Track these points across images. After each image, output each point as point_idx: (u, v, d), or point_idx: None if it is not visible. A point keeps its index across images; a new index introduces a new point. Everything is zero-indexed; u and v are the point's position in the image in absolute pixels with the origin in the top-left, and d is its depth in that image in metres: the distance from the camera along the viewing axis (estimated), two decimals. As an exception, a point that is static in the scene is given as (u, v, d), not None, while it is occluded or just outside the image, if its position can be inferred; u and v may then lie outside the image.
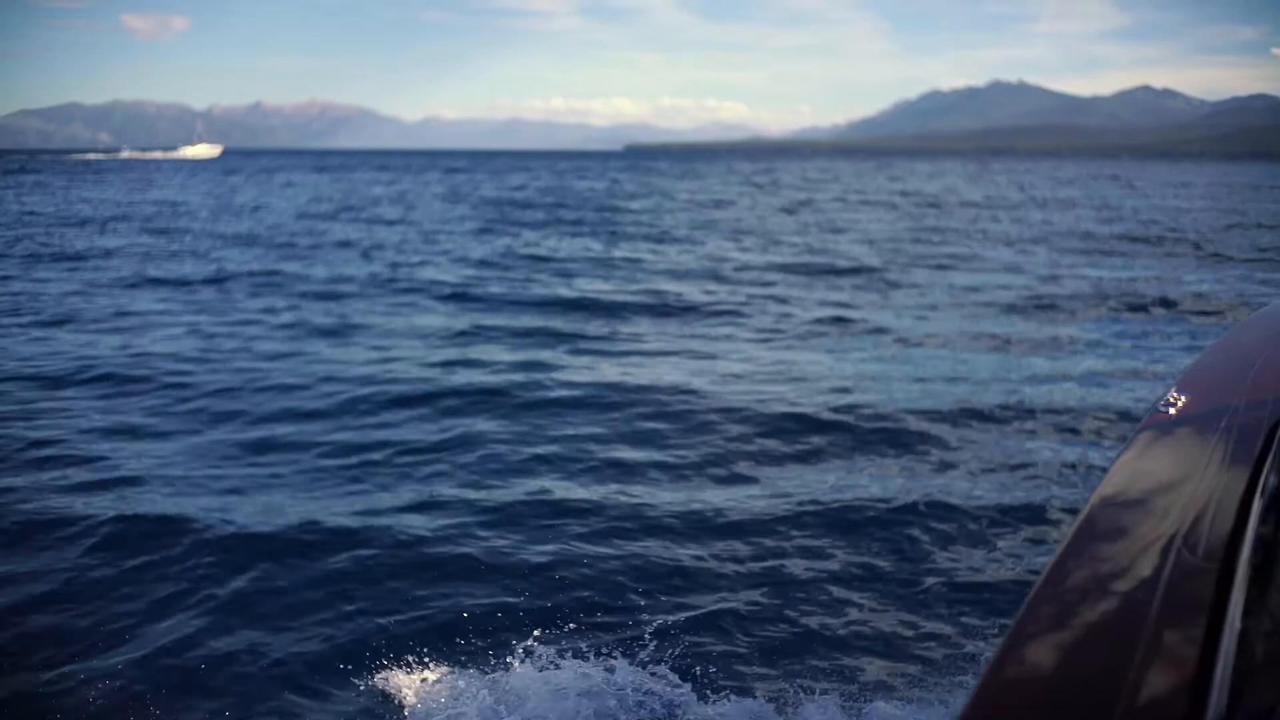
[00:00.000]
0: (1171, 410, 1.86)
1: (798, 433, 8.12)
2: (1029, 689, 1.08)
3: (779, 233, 30.08)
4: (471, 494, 6.75)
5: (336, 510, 6.45)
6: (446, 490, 6.81)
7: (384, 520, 6.27)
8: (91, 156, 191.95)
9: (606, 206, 41.89)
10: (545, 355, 11.32)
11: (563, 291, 17.10)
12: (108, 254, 22.98)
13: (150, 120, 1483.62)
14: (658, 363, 11.06)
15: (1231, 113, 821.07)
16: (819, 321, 14.11)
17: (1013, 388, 9.96)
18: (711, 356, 11.51)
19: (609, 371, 10.48)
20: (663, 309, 15.39)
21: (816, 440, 7.95)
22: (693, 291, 17.43)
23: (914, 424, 8.38)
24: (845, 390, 9.58)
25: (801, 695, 4.28)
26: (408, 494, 6.76)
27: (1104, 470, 1.61)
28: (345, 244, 25.73)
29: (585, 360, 11.14)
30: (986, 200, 49.51)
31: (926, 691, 4.39)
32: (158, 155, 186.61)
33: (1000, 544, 5.98)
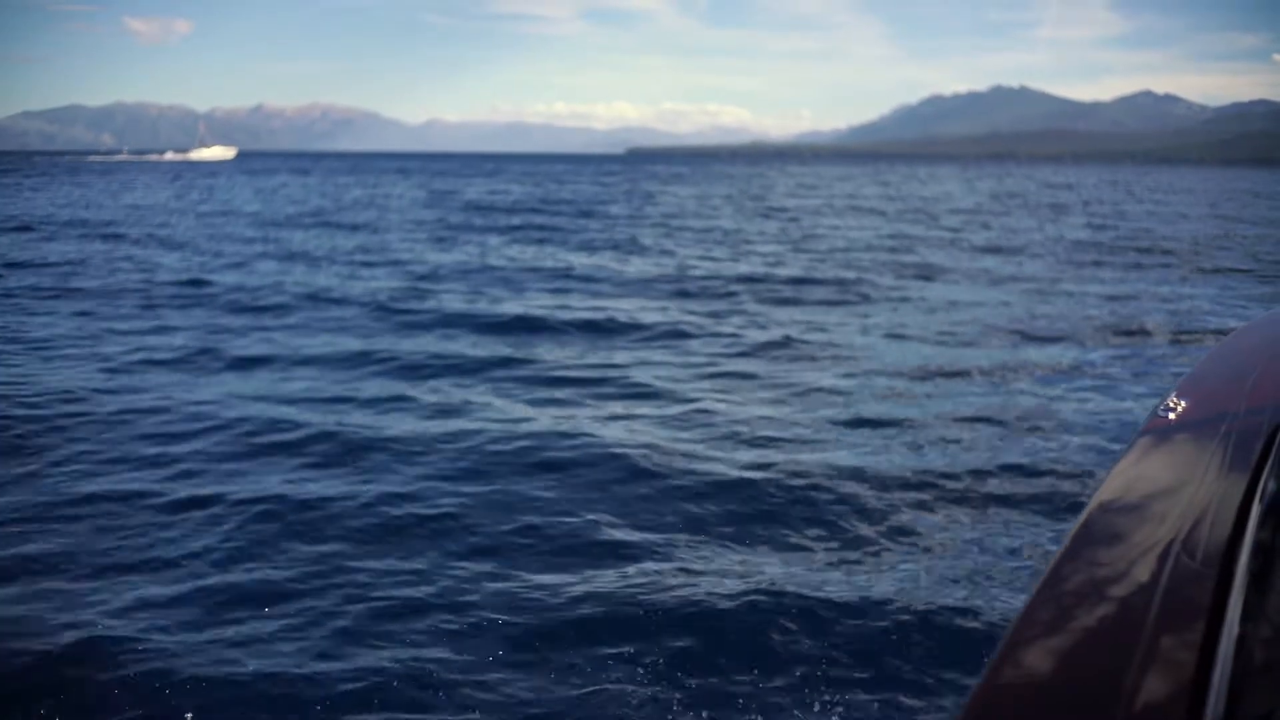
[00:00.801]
0: (1171, 415, 1.84)
1: (693, 498, 6.79)
2: (1026, 693, 1.07)
3: (755, 241, 28.86)
4: (241, 571, 5.52)
5: (62, 593, 5.23)
6: (209, 568, 5.57)
7: (114, 619, 5.04)
8: (106, 158, 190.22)
9: (586, 212, 40.68)
10: (433, 388, 10.03)
11: (503, 308, 15.87)
12: (42, 262, 21.77)
13: (152, 122, 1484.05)
14: (561, 399, 9.76)
15: (1233, 118, 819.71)
16: (767, 346, 12.85)
17: (967, 436, 8.66)
18: (627, 390, 10.20)
19: (497, 409, 9.21)
20: (602, 328, 14.15)
21: (711, 510, 6.59)
22: (642, 308, 16.21)
23: (835, 487, 7.00)
24: (767, 441, 8.24)
25: None
26: (165, 574, 5.52)
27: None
28: (295, 253, 24.49)
29: (476, 394, 9.83)
30: (977, 206, 48.27)
31: None
32: (170, 157, 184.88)
33: (891, 656, 4.75)
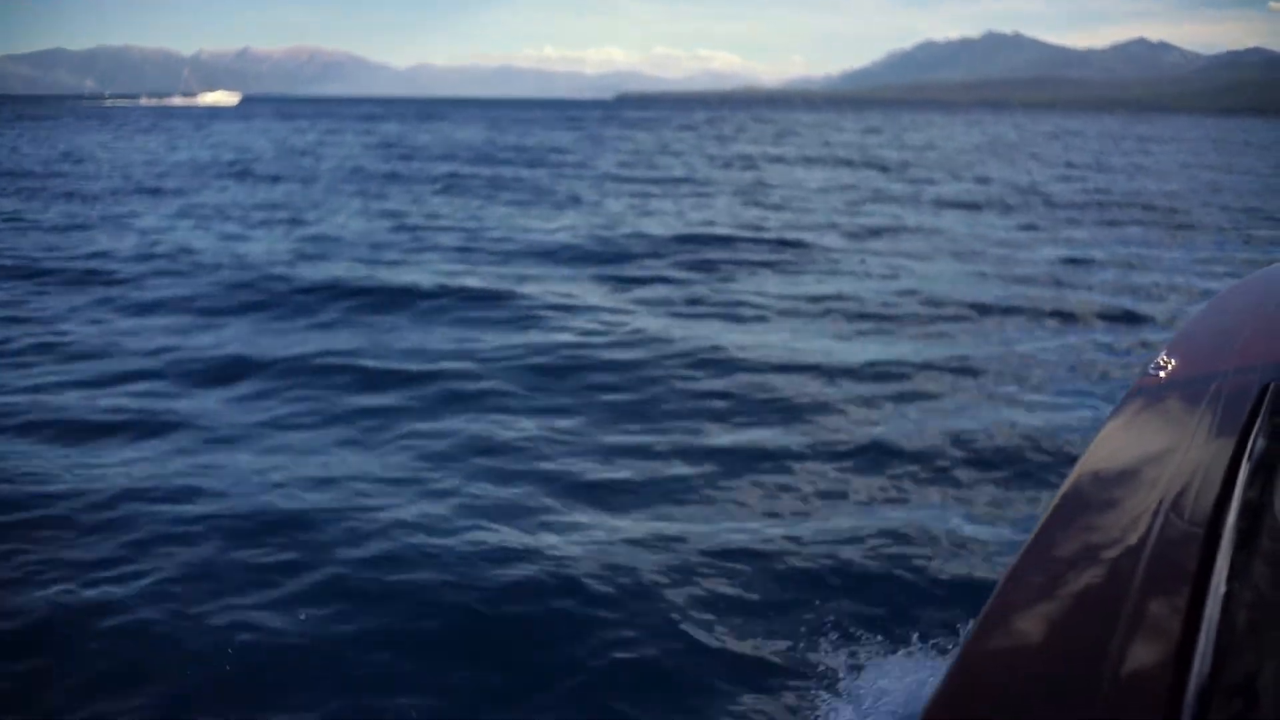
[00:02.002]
0: (1161, 374, 1.81)
1: (414, 605, 4.87)
2: (1012, 656, 1.05)
3: (703, 193, 26.64)
4: None
5: None
6: None
7: None
8: (117, 103, 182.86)
9: (536, 160, 38.29)
10: (195, 403, 8.01)
11: (379, 277, 13.81)
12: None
13: (136, 65, 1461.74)
14: (332, 414, 7.75)
15: (1227, 67, 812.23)
16: (650, 330, 10.81)
17: (855, 485, 6.66)
18: (427, 400, 8.11)
19: (232, 437, 7.20)
20: (464, 297, 12.18)
21: (426, 629, 4.66)
22: (538, 275, 14.23)
23: (638, 588, 5.01)
24: (574, 499, 6.11)
25: None
26: None
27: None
28: (191, 206, 22.33)
29: (234, 410, 7.79)
30: (953, 155, 46.01)
31: None
32: (176, 101, 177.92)
33: None
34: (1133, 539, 1.19)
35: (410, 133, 62.90)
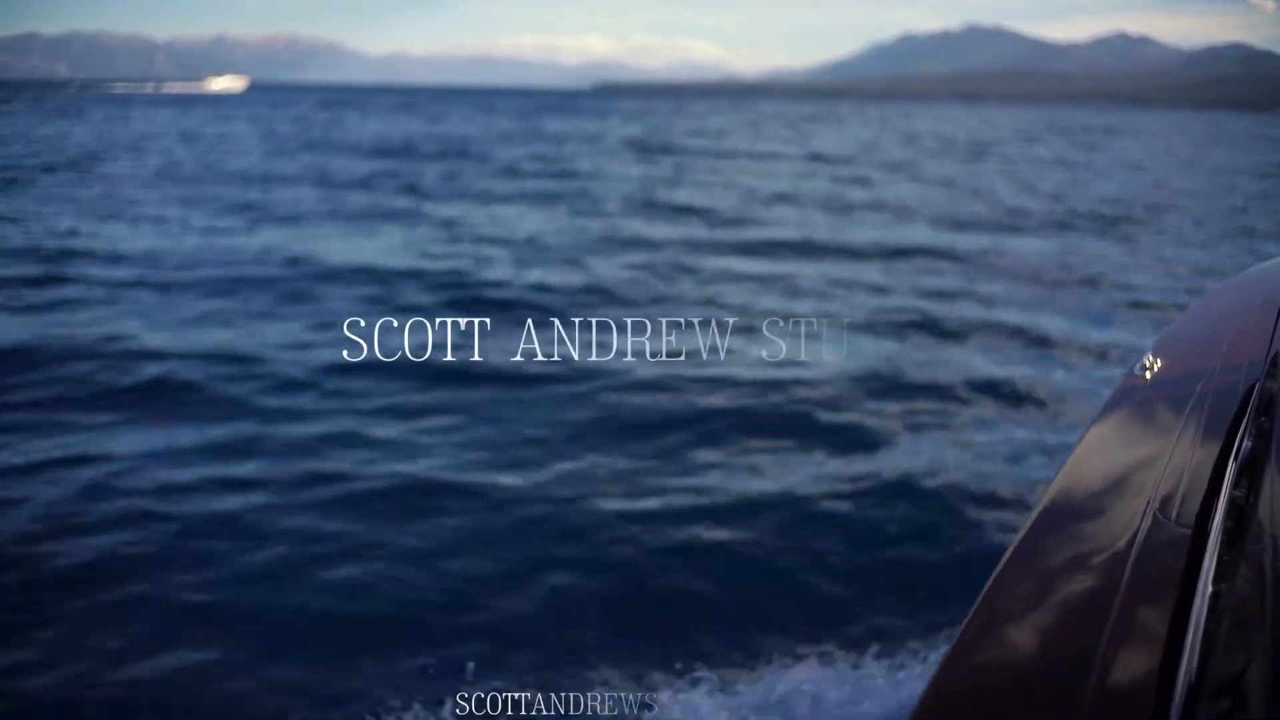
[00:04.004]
0: (1147, 375, 1.78)
1: None
2: (998, 663, 1.05)
3: (597, 193, 23.19)
4: None
5: None
6: None
7: None
8: (124, 88, 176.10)
9: (442, 153, 34.49)
10: None
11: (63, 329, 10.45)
12: None
13: (110, 52, 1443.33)
14: None
15: (1206, 62, 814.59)
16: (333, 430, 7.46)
17: None
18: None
19: None
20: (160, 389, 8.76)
21: None
22: (270, 336, 10.89)
23: None
24: None
25: None
26: None
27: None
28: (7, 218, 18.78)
29: None
30: (904, 150, 42.69)
31: None
32: (179, 88, 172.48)
33: None
34: (1119, 542, 1.18)
35: (352, 123, 58.88)
